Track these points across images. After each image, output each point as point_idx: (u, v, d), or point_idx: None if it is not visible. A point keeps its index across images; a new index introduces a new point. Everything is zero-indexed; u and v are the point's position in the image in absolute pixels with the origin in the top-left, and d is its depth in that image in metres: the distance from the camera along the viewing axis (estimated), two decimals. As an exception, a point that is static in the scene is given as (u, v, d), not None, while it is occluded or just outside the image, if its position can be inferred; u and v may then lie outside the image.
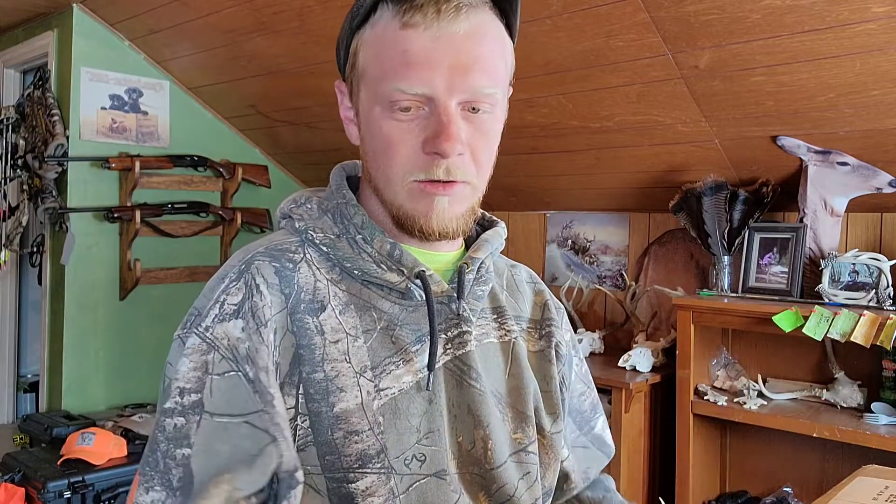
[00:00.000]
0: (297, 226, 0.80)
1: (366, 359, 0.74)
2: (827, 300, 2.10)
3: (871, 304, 2.04)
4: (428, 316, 0.77)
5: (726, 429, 2.51)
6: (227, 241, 3.52)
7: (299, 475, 0.69)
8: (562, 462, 0.91)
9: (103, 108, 3.19)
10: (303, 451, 0.70)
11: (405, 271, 0.77)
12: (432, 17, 0.71)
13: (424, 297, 0.77)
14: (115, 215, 3.12)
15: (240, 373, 0.69)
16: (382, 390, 0.73)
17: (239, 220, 3.46)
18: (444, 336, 0.79)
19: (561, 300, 2.91)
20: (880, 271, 2.06)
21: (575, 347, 0.97)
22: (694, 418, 2.29)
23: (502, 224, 0.91)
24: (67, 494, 2.38)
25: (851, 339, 1.91)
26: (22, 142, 3.32)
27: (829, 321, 1.96)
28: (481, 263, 0.84)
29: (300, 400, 0.71)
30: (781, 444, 2.41)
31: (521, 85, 2.38)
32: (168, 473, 0.66)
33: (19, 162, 3.31)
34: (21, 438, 2.99)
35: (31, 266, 3.43)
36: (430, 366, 0.76)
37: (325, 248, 0.78)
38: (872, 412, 2.06)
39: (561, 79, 2.27)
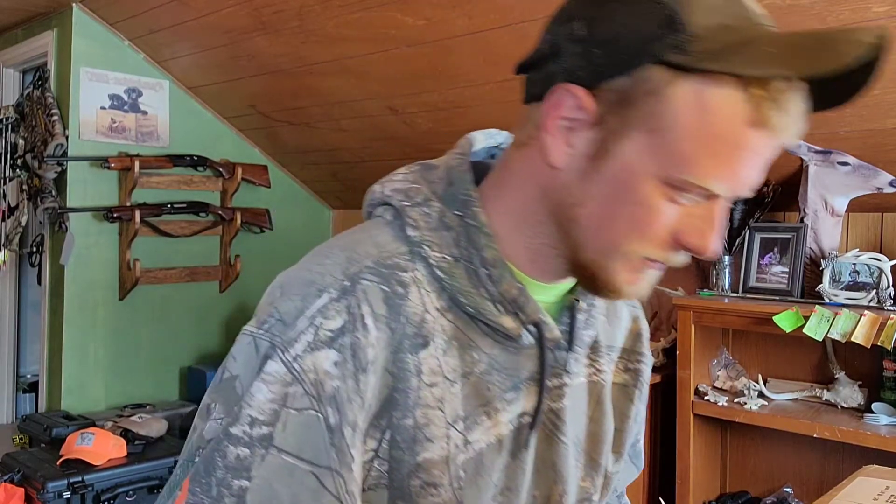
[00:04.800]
0: (410, 234, 0.66)
1: (459, 408, 0.65)
2: (827, 300, 2.10)
3: (871, 304, 2.04)
4: (539, 372, 0.69)
5: (727, 429, 2.51)
6: (227, 241, 3.51)
7: None
8: None
9: (103, 108, 3.18)
10: (372, 490, 0.64)
11: (523, 318, 0.67)
12: (785, 123, 0.58)
13: (533, 343, 0.69)
14: (115, 215, 3.12)
15: (320, 414, 0.60)
16: (470, 443, 0.66)
17: (238, 220, 3.46)
18: (546, 383, 0.71)
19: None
20: (881, 271, 2.06)
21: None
22: (694, 418, 2.28)
23: None
24: (67, 494, 2.38)
25: (852, 339, 1.90)
26: (21, 141, 3.32)
27: (830, 321, 1.96)
28: (593, 301, 0.75)
29: (383, 445, 0.63)
30: (782, 445, 2.41)
31: (522, 85, 2.37)
32: (220, 501, 0.60)
33: (19, 162, 3.32)
34: (20, 438, 2.99)
35: (31, 266, 3.43)
36: (535, 423, 0.69)
37: (439, 273, 0.66)
38: (873, 412, 2.06)
39: (561, 78, 2.27)
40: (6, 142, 3.43)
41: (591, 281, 0.66)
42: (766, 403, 2.23)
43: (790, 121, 0.58)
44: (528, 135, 0.66)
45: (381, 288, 0.63)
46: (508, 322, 0.66)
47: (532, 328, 0.68)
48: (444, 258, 0.66)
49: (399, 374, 0.63)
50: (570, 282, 0.72)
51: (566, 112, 0.61)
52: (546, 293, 0.70)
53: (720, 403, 2.23)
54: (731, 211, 2.36)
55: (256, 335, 0.63)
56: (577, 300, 0.73)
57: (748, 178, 0.60)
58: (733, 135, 0.57)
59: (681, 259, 0.63)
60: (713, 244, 0.61)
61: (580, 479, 0.75)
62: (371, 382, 0.61)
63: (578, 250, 0.64)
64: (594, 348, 0.78)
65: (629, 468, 0.92)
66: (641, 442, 0.93)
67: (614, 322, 0.82)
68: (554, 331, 0.69)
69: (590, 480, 0.77)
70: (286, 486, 0.59)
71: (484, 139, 0.75)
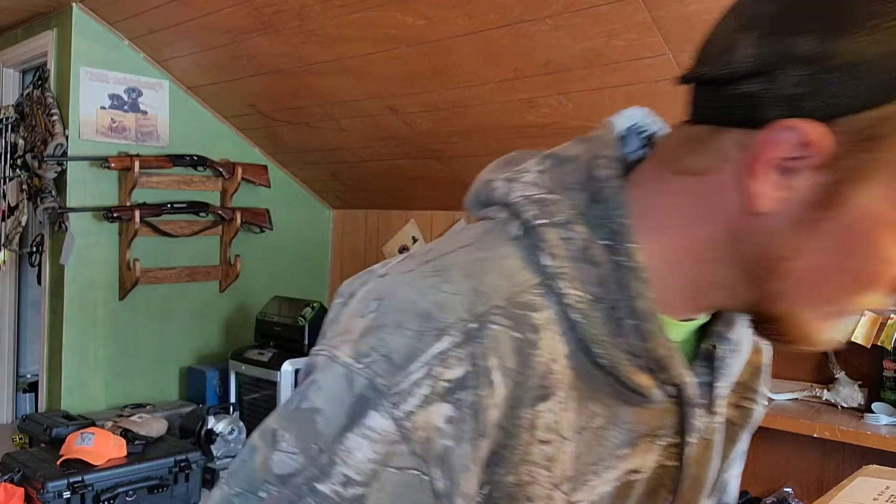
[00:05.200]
0: (545, 263, 0.54)
1: (569, 469, 0.56)
2: (827, 300, 2.10)
3: (871, 304, 2.04)
4: (679, 432, 0.61)
5: (726, 429, 2.50)
6: (227, 241, 3.51)
7: None
8: None
9: (103, 108, 3.18)
10: None
11: (662, 377, 0.56)
12: None
13: (663, 400, 0.59)
14: (115, 215, 3.12)
15: (425, 476, 0.50)
16: (573, 503, 0.57)
17: (238, 220, 3.46)
18: (664, 441, 0.61)
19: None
20: (881, 271, 2.06)
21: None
22: (694, 418, 2.28)
23: None
24: (67, 494, 2.38)
25: (852, 339, 1.91)
26: (21, 141, 3.32)
27: (830, 321, 1.96)
28: (736, 347, 0.64)
29: (478, 500, 0.55)
30: (782, 445, 2.41)
31: (522, 85, 2.37)
32: None
33: (18, 161, 3.31)
34: (20, 438, 2.99)
35: (31, 266, 3.43)
36: (676, 490, 0.62)
37: (575, 315, 0.54)
38: (873, 412, 2.06)
39: (561, 79, 2.27)
40: (6, 142, 3.43)
41: (775, 331, 0.56)
42: (766, 403, 2.23)
43: None
44: (703, 164, 0.53)
45: (513, 335, 0.52)
46: (645, 380, 0.56)
47: (670, 388, 0.58)
48: (583, 299, 0.54)
49: (511, 429, 0.52)
50: (703, 317, 0.61)
51: (787, 152, 0.49)
52: (675, 330, 0.59)
53: (720, 403, 2.23)
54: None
55: (354, 370, 0.51)
56: (714, 346, 0.62)
57: None
58: None
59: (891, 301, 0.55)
60: None
61: None
62: (486, 447, 0.52)
63: (773, 302, 0.54)
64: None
65: None
66: (737, 478, 0.81)
67: (735, 355, 0.68)
68: (694, 388, 0.60)
69: None
70: None
71: (623, 122, 0.63)
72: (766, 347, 0.73)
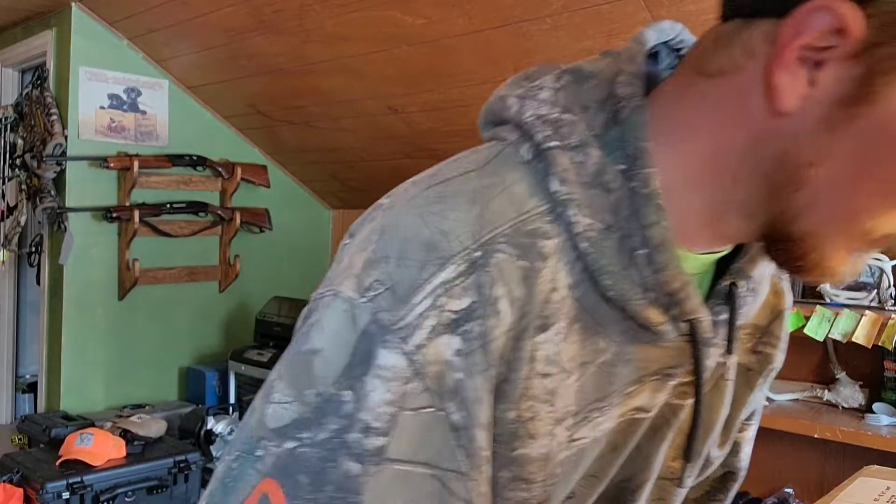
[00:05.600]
0: (555, 188, 0.51)
1: (572, 403, 0.54)
2: (828, 300, 2.10)
3: (872, 304, 2.04)
4: (694, 372, 0.57)
5: (727, 429, 2.50)
6: (226, 241, 3.51)
7: None
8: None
9: (102, 108, 3.18)
10: None
11: (675, 312, 0.53)
12: None
13: (675, 338, 0.55)
14: (114, 215, 3.11)
15: (441, 411, 0.48)
16: (575, 441, 0.55)
17: (238, 220, 3.45)
18: (673, 381, 0.58)
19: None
20: (882, 271, 2.06)
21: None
22: (695, 419, 2.28)
23: None
24: (66, 495, 2.37)
25: (853, 339, 1.90)
26: (20, 141, 3.31)
27: (831, 321, 1.95)
28: (754, 286, 0.60)
29: None
30: (783, 445, 2.41)
31: (522, 84, 2.37)
32: None
33: (18, 161, 3.31)
34: (20, 439, 2.99)
35: (30, 266, 3.42)
36: (692, 438, 0.60)
37: (584, 243, 0.51)
38: (874, 413, 2.05)
39: (561, 78, 2.26)
40: (5, 141, 3.43)
41: (793, 258, 0.51)
42: (766, 403, 2.23)
43: None
44: (733, 59, 0.48)
45: (520, 263, 0.49)
46: (656, 316, 0.52)
47: (684, 325, 0.54)
48: (594, 226, 0.50)
49: (513, 362, 0.50)
50: (722, 249, 0.57)
51: (816, 39, 0.44)
52: (696, 265, 0.55)
53: (721, 404, 2.23)
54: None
55: (357, 303, 0.48)
56: (735, 283, 0.58)
57: None
58: None
59: None
60: None
61: (670, 458, 0.63)
62: (494, 378, 0.50)
63: (794, 220, 0.49)
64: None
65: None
66: (751, 442, 0.78)
67: (755, 295, 0.63)
68: (707, 326, 0.56)
69: (680, 463, 0.64)
70: (400, 498, 0.48)
71: (656, 36, 0.57)
72: (788, 291, 0.70)
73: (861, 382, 2.19)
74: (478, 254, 0.48)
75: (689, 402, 0.60)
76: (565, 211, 0.50)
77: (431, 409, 0.48)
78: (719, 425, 0.66)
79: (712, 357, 0.59)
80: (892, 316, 1.88)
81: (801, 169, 0.47)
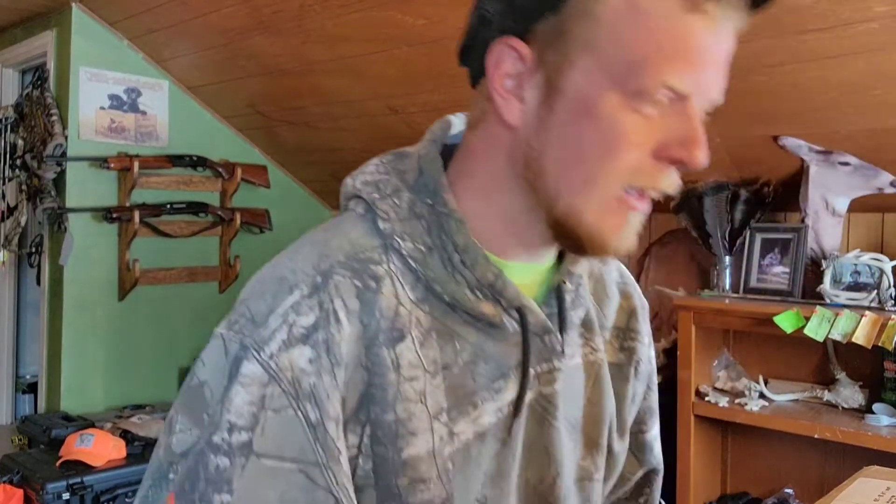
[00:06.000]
0: (382, 227, 0.65)
1: (443, 400, 0.64)
2: (828, 301, 2.10)
3: (872, 304, 2.03)
4: (522, 360, 0.67)
5: (727, 430, 2.50)
6: (226, 242, 3.51)
7: None
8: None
9: (102, 108, 3.18)
10: (360, 492, 0.63)
11: (503, 303, 0.65)
12: (725, 5, 0.58)
13: (517, 330, 0.67)
14: (114, 215, 3.11)
15: (298, 412, 0.59)
16: (456, 434, 0.64)
17: (238, 221, 3.45)
18: (532, 370, 0.68)
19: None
20: (882, 272, 2.05)
21: (653, 364, 0.86)
22: (695, 419, 2.28)
23: None
24: (66, 496, 2.37)
25: (853, 339, 1.90)
26: (20, 142, 3.31)
27: (831, 322, 1.95)
28: (580, 280, 0.72)
29: (364, 441, 0.62)
30: (782, 446, 2.41)
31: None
32: None
33: (18, 162, 3.31)
34: (20, 440, 2.99)
35: (30, 266, 3.42)
36: (517, 409, 0.67)
37: (413, 264, 0.64)
38: (874, 413, 2.05)
39: (561, 78, 2.26)
40: (5, 142, 3.43)
41: (574, 238, 0.63)
42: (766, 404, 2.23)
43: (724, 3, 0.58)
44: (480, 110, 0.66)
45: (354, 283, 0.62)
46: (488, 308, 0.65)
47: (514, 314, 0.66)
48: (418, 249, 0.64)
49: (374, 368, 0.61)
50: (551, 259, 0.71)
51: (509, 67, 0.62)
52: (527, 274, 0.68)
53: (721, 404, 2.23)
54: (732, 211, 2.35)
55: (226, 337, 0.61)
56: (564, 281, 0.71)
57: (704, 69, 0.59)
58: (673, 25, 0.57)
59: (672, 182, 0.61)
60: (700, 151, 0.59)
61: (579, 458, 0.74)
62: (345, 378, 0.61)
63: (553, 204, 0.62)
64: (587, 326, 0.75)
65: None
66: (657, 439, 0.88)
67: (603, 300, 0.79)
68: (539, 315, 0.68)
69: (590, 460, 0.75)
70: (272, 489, 0.58)
71: (461, 123, 0.73)
72: (636, 290, 0.84)
73: (861, 383, 2.18)
74: (319, 279, 0.62)
75: (557, 387, 0.70)
76: (393, 241, 0.65)
77: (291, 410, 0.59)
78: (608, 417, 0.76)
79: (572, 351, 0.72)
80: (892, 316, 1.88)
81: (536, 161, 0.62)
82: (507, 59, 0.61)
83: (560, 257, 0.72)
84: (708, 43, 0.59)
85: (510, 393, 0.67)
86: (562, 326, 0.70)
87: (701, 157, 0.59)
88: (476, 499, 0.66)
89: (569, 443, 0.72)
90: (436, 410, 0.63)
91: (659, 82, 0.57)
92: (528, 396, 0.68)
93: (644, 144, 0.59)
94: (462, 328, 0.65)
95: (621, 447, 0.80)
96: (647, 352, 0.83)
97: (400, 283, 0.64)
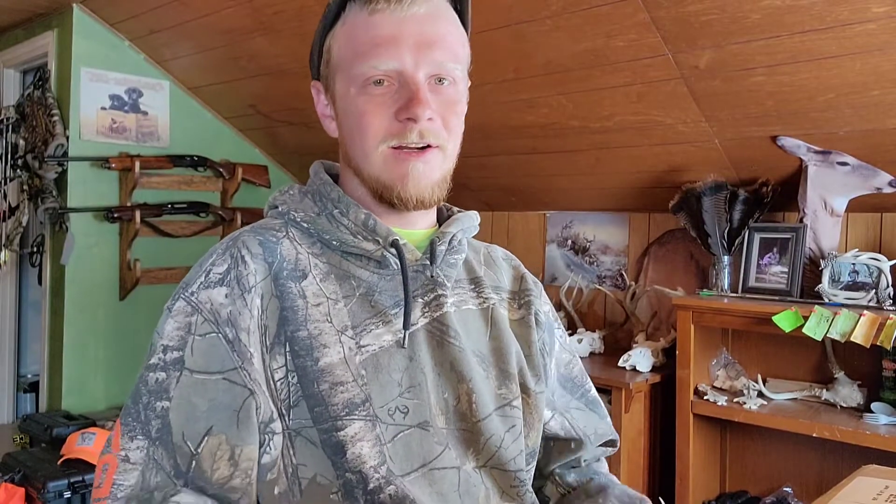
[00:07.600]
0: (281, 209, 0.88)
1: (346, 319, 0.81)
2: (827, 300, 2.10)
3: (870, 304, 2.04)
4: (402, 280, 0.83)
5: (726, 429, 2.51)
6: (227, 241, 3.51)
7: (276, 426, 0.76)
8: (546, 424, 0.97)
9: (103, 108, 3.19)
10: (295, 406, 0.77)
11: (380, 241, 0.84)
12: (396, 3, 0.81)
13: (399, 265, 0.84)
14: (115, 215, 3.12)
15: (219, 334, 0.76)
16: (363, 346, 0.80)
17: (239, 221, 3.46)
18: (420, 300, 0.85)
19: (561, 300, 2.91)
20: (880, 271, 2.06)
21: (556, 318, 1.04)
22: (694, 418, 2.29)
23: (475, 212, 0.97)
24: (67, 494, 2.38)
25: (851, 339, 1.91)
26: (22, 142, 3.32)
27: (829, 321, 1.96)
28: (452, 237, 0.90)
29: (288, 357, 0.78)
30: (781, 444, 2.42)
31: (522, 85, 2.38)
32: (148, 424, 0.73)
33: (19, 162, 3.31)
34: (21, 438, 2.99)
35: (31, 266, 3.43)
36: (406, 325, 0.82)
37: (305, 225, 0.86)
38: (872, 412, 2.06)
39: (561, 79, 2.27)
40: (7, 142, 3.43)
41: (380, 193, 0.84)
42: (765, 403, 2.23)
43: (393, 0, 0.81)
44: (335, 134, 0.92)
45: (257, 238, 0.84)
46: (369, 246, 0.84)
47: (393, 250, 0.84)
48: (308, 215, 0.87)
49: (284, 296, 0.80)
50: (429, 228, 0.92)
51: (321, 100, 0.91)
52: (408, 235, 0.88)
53: (720, 403, 2.23)
54: (731, 211, 2.36)
55: (168, 304, 0.81)
56: (437, 238, 0.89)
57: (397, 47, 0.81)
58: (362, 27, 0.82)
59: (413, 135, 0.81)
60: (417, 108, 0.80)
61: (496, 388, 0.88)
62: (258, 303, 0.79)
63: (360, 173, 0.86)
64: (477, 282, 0.94)
65: (589, 415, 1.02)
66: (592, 390, 1.05)
67: (494, 269, 0.99)
68: (414, 251, 0.86)
69: (506, 389, 0.89)
70: (202, 397, 0.74)
71: None
72: (520, 264, 1.04)
73: (859, 382, 2.19)
74: (230, 242, 0.83)
75: (449, 313, 0.86)
76: (289, 216, 0.87)
77: (213, 334, 0.77)
78: (513, 350, 0.91)
79: (464, 298, 0.91)
80: (891, 316, 1.88)
81: (343, 150, 0.89)
82: (317, 95, 0.92)
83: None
84: (394, 29, 0.81)
85: (410, 317, 0.83)
86: (432, 259, 0.87)
87: (417, 111, 0.80)
88: (398, 407, 0.80)
89: (480, 370, 0.87)
90: (341, 327, 0.80)
91: (369, 68, 0.81)
92: (423, 321, 0.85)
93: (382, 114, 0.82)
94: (356, 270, 0.84)
95: (539, 388, 0.94)
96: (543, 306, 1.00)
97: (297, 242, 0.85)
